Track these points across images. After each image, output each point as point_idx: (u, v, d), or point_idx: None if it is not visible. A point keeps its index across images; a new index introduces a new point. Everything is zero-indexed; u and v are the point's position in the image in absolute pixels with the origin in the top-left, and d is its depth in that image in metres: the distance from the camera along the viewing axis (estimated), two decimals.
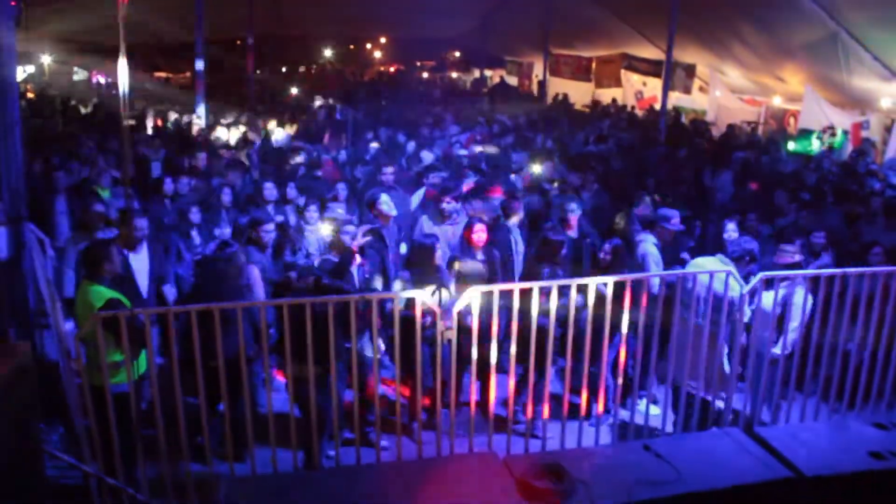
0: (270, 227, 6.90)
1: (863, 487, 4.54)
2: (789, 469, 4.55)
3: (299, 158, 10.78)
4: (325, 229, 7.15)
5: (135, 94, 24.29)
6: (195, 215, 7.57)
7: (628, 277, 5.00)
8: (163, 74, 31.32)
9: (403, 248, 7.88)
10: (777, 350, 5.54)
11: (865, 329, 5.23)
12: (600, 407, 5.40)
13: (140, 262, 6.46)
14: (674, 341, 5.13)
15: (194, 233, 7.46)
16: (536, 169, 10.58)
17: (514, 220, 7.91)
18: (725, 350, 5.44)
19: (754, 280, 5.13)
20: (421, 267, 6.40)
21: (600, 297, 4.85)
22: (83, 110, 18.40)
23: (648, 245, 7.20)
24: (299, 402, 4.86)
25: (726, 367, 5.46)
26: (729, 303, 5.16)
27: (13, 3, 5.19)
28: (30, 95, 20.17)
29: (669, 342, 5.15)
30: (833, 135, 15.19)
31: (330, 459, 5.56)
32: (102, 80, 26.81)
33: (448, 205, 7.81)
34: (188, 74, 28.36)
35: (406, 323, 4.74)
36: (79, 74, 27.65)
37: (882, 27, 12.79)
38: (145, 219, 6.71)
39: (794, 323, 5.56)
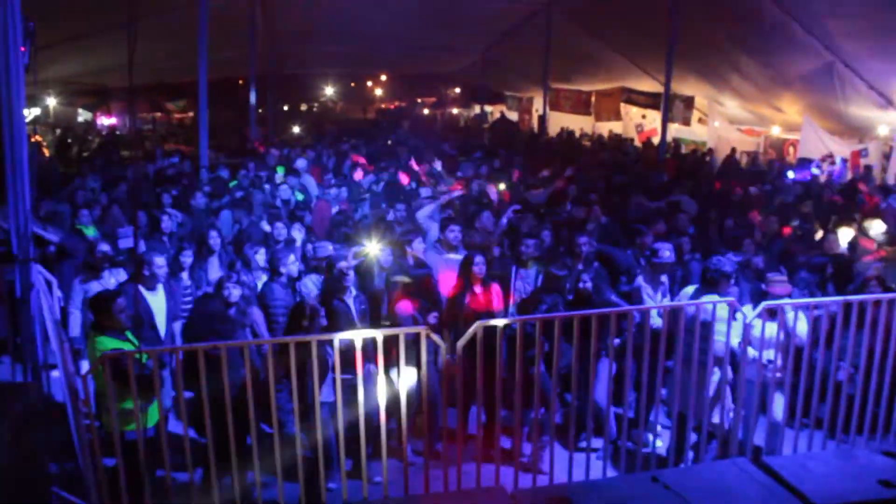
0: (291, 258, 7.04)
1: None
2: (798, 498, 4.51)
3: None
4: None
5: (141, 134, 24.74)
6: (187, 256, 7.36)
7: (631, 309, 5.03)
8: (175, 115, 31.68)
9: None
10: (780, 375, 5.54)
11: (870, 358, 5.24)
12: (607, 439, 5.39)
13: (158, 301, 6.38)
14: (677, 372, 5.13)
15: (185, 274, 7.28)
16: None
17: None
18: (729, 379, 5.44)
19: (759, 308, 5.15)
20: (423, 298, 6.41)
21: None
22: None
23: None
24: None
25: (730, 397, 5.45)
26: (728, 332, 5.18)
27: (23, 50, 5.28)
28: (36, 138, 20.29)
29: (672, 373, 5.16)
30: (833, 163, 15.30)
31: (332, 493, 5.57)
32: (107, 122, 27.08)
33: (451, 233, 7.78)
34: (191, 114, 28.71)
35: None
36: (83, 115, 27.93)
37: (876, 57, 12.98)
38: (163, 256, 6.67)
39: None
